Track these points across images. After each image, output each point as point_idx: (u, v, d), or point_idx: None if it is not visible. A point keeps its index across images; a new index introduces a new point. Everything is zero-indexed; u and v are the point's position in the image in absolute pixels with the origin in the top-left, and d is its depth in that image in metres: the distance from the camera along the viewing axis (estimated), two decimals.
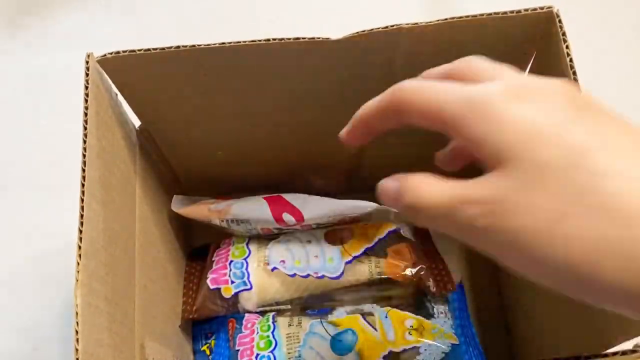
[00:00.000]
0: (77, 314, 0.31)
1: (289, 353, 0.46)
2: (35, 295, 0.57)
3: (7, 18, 0.73)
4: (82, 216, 0.34)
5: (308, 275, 0.49)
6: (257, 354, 0.46)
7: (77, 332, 0.31)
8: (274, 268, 0.49)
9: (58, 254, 0.58)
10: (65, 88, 0.56)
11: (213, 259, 0.52)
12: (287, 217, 0.49)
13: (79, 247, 0.33)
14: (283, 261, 0.50)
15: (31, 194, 0.61)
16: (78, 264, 0.32)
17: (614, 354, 0.31)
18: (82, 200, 0.34)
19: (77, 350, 0.31)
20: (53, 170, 0.61)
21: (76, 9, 0.72)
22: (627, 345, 0.31)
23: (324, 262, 0.49)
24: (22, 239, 0.59)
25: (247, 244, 0.52)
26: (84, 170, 0.35)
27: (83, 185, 0.34)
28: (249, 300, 0.50)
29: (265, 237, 0.52)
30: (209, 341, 0.52)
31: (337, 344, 0.46)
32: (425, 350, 0.45)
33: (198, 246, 0.57)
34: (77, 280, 0.32)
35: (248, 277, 0.50)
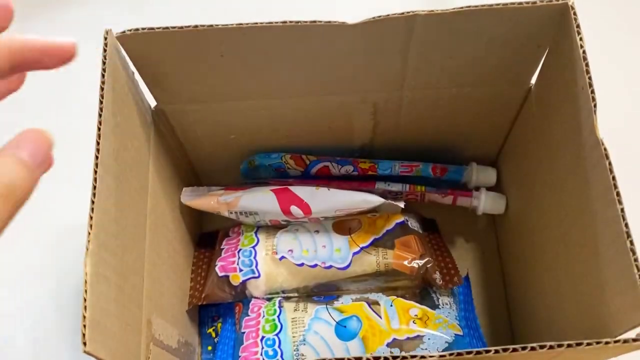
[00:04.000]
0: (85, 282, 0.32)
1: (293, 337, 0.46)
2: (35, 287, 0.57)
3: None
4: (94, 187, 0.34)
5: (315, 265, 0.49)
6: (263, 337, 0.47)
7: (85, 299, 0.31)
8: (282, 257, 0.50)
9: (58, 246, 0.59)
10: (72, 82, 0.56)
11: (222, 247, 0.53)
12: (295, 210, 0.49)
13: (91, 218, 0.33)
14: (291, 250, 0.50)
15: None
16: (89, 233, 0.33)
17: (616, 341, 0.31)
18: (96, 172, 0.34)
19: (84, 317, 0.31)
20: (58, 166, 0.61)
21: (84, 6, 0.72)
22: (631, 334, 0.31)
23: (332, 252, 0.49)
24: (24, 231, 0.59)
25: (255, 233, 0.52)
26: (98, 144, 0.35)
27: (97, 157, 0.34)
28: (256, 288, 0.50)
29: (274, 227, 0.53)
30: (215, 324, 0.52)
31: (342, 329, 0.46)
32: (429, 339, 0.45)
33: (206, 232, 0.58)
34: (87, 249, 0.32)
35: (256, 266, 0.50)
